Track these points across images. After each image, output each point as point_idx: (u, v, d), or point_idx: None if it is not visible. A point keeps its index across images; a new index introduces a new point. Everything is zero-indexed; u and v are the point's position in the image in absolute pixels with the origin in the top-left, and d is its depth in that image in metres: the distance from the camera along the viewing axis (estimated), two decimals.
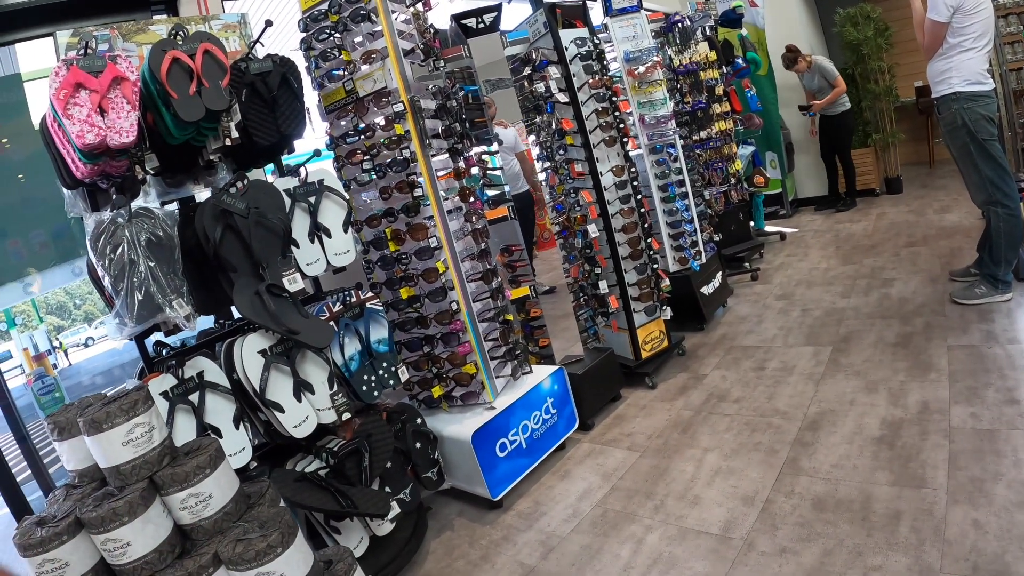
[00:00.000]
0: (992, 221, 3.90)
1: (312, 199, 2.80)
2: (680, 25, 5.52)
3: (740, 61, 6.44)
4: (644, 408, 3.87)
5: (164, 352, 2.60)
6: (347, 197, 2.94)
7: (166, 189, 2.80)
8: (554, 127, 3.96)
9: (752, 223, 6.72)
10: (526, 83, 3.98)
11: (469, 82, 3.47)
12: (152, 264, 2.30)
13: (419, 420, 3.16)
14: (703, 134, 5.81)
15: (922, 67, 4.03)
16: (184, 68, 2.34)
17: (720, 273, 5.15)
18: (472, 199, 3.26)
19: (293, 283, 2.58)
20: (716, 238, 5.29)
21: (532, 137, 4.16)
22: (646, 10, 4.86)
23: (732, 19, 6.61)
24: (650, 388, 4.10)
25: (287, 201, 2.70)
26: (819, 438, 3.01)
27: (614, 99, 4.03)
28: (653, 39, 4.82)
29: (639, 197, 4.11)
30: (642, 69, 4.55)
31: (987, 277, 3.95)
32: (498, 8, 3.75)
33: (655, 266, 4.18)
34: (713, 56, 5.89)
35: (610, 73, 4.14)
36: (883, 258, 5.40)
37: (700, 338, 4.76)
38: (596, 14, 4.60)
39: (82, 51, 2.20)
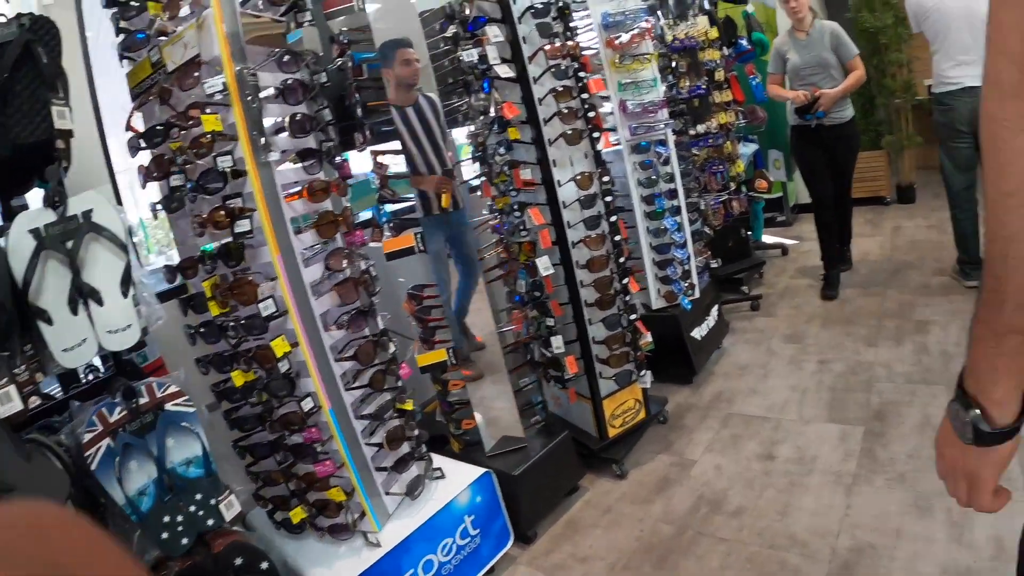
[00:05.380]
0: None
1: (71, 244, 1.74)
2: None
3: (744, 43, 5.45)
4: (608, 512, 2.87)
5: None
6: (123, 239, 1.81)
7: None
8: (492, 114, 2.78)
9: (749, 234, 5.66)
10: (452, 47, 2.76)
11: (364, 47, 2.31)
12: None
13: (264, 565, 2.06)
14: (701, 128, 4.74)
15: None
16: None
17: (716, 308, 4.14)
18: (345, 229, 2.09)
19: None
20: (714, 264, 4.27)
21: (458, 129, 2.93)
22: None
23: None
24: (618, 477, 3.07)
25: (27, 251, 1.69)
26: None
27: (582, 75, 2.89)
28: (643, 1, 3.72)
29: (613, 219, 2.97)
30: (625, 38, 3.44)
31: None
32: None
33: (632, 316, 3.05)
34: (714, 33, 4.87)
35: (578, 39, 2.98)
36: (909, 289, 4.53)
37: (688, 396, 3.74)
38: None
39: None
